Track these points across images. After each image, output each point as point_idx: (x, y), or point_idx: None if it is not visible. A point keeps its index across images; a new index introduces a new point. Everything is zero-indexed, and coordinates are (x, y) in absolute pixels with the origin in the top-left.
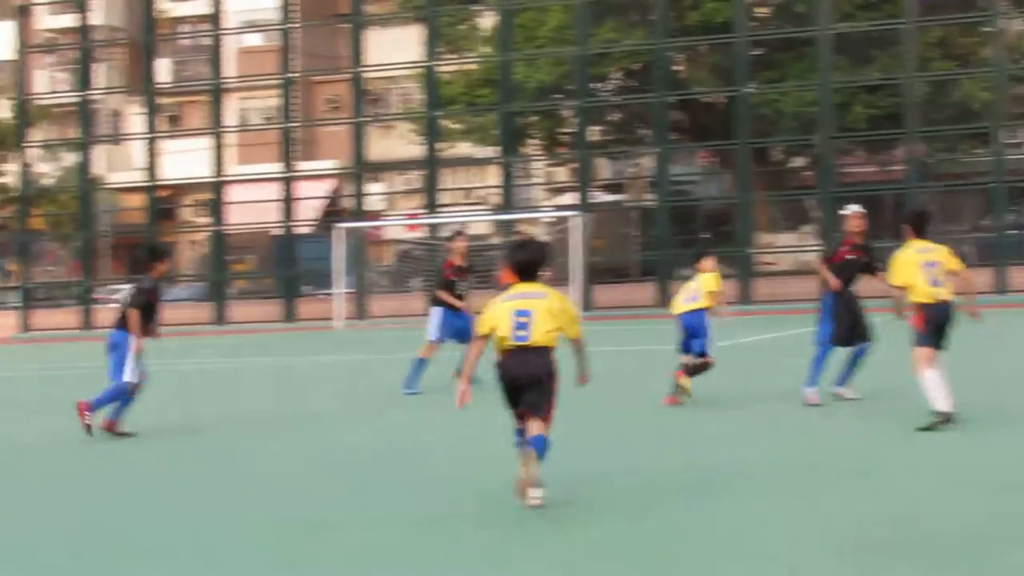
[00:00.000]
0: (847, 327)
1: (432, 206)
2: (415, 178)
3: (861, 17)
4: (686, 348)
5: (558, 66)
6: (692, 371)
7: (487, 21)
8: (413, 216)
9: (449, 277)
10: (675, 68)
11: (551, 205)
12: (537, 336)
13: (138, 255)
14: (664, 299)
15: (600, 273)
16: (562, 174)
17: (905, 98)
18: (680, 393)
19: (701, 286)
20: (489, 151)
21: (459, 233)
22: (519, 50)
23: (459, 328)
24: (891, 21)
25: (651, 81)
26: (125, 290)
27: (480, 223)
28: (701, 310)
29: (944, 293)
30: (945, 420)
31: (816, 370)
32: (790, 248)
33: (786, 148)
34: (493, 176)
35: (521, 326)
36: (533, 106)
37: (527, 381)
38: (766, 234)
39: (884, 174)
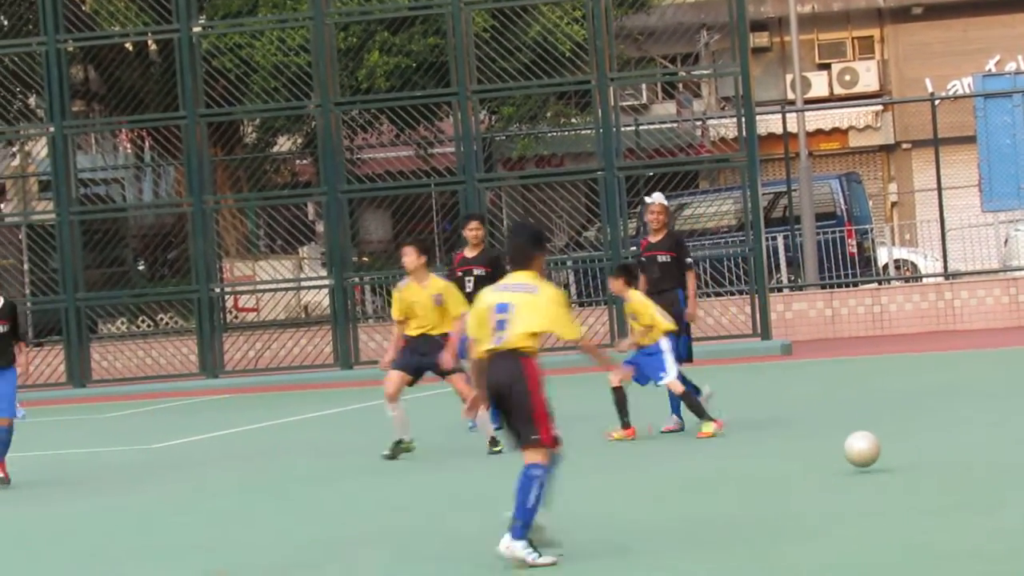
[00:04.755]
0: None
1: None
2: None
3: None
4: None
5: None
6: None
7: None
8: None
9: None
10: None
11: None
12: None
13: None
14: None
15: None
16: None
17: (450, 39)
18: None
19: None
20: None
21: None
22: None
23: None
24: None
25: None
26: None
27: None
28: None
29: None
30: None
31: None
32: (283, 284)
33: (266, 121)
34: None
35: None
36: None
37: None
38: (241, 263)
39: (424, 161)
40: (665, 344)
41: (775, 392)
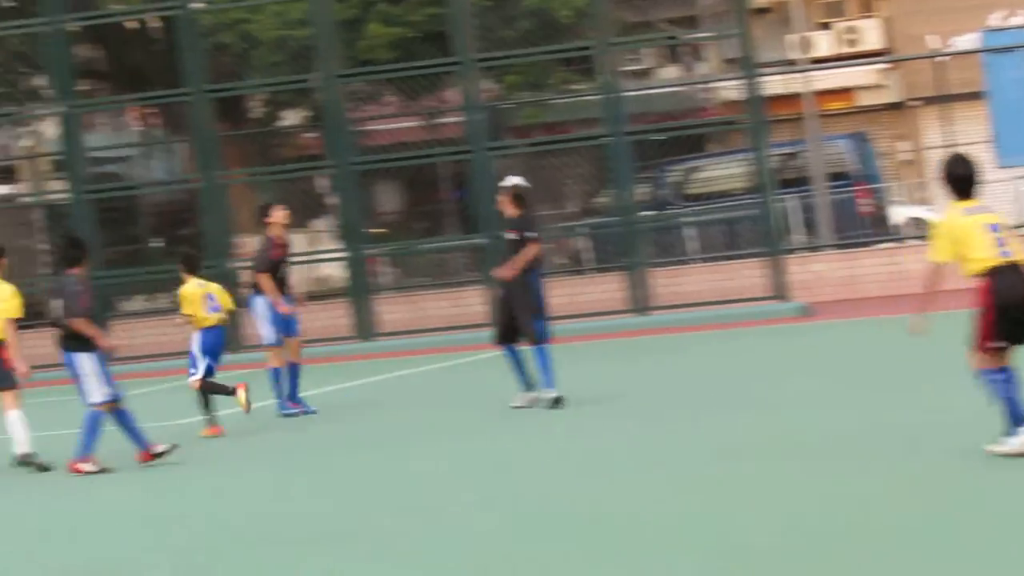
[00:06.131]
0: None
1: None
2: None
3: None
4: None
5: None
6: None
7: None
8: None
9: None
10: None
11: None
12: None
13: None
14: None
15: None
16: None
17: (449, 8)
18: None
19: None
20: None
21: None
22: None
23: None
24: None
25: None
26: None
27: None
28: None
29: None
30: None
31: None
32: (300, 257)
33: (271, 96)
34: None
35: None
36: None
37: None
38: (252, 236)
39: (431, 131)
40: (193, 342)
41: (791, 355)
